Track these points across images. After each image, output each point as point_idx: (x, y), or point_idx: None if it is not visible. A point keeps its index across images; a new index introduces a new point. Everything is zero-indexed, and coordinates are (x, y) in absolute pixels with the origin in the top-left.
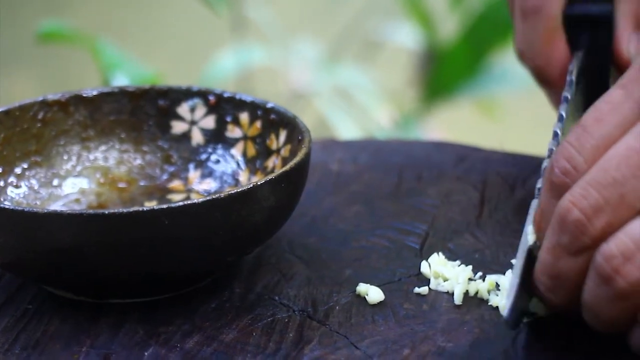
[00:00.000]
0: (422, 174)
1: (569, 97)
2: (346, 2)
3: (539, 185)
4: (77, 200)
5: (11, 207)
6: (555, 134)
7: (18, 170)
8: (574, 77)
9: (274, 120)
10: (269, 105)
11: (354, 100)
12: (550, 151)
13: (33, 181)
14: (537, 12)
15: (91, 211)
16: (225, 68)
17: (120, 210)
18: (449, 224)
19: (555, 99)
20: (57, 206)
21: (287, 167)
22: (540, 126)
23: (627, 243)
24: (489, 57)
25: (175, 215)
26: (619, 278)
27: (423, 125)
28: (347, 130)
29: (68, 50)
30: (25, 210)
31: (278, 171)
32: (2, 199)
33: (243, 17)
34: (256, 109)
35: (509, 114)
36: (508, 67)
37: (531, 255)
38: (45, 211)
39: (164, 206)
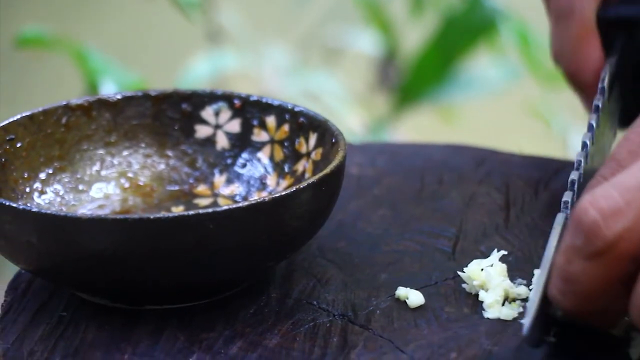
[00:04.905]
0: (443, 178)
1: (600, 105)
2: (310, 9)
3: (565, 198)
4: (101, 206)
5: (52, 212)
6: (584, 145)
7: (43, 176)
8: (605, 85)
9: (303, 124)
10: (297, 108)
11: (324, 104)
12: (579, 163)
13: (58, 187)
14: (570, 14)
15: (136, 216)
16: (199, 74)
17: (167, 214)
18: (477, 227)
19: (588, 104)
20: (85, 212)
21: (328, 170)
22: (506, 132)
23: None
24: (456, 64)
25: (221, 220)
26: None
27: (392, 130)
28: None
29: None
30: (68, 215)
31: (319, 174)
32: (28, 205)
33: (217, 24)
34: (283, 113)
35: (475, 120)
36: (475, 74)
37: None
38: (89, 216)
39: (209, 210)
